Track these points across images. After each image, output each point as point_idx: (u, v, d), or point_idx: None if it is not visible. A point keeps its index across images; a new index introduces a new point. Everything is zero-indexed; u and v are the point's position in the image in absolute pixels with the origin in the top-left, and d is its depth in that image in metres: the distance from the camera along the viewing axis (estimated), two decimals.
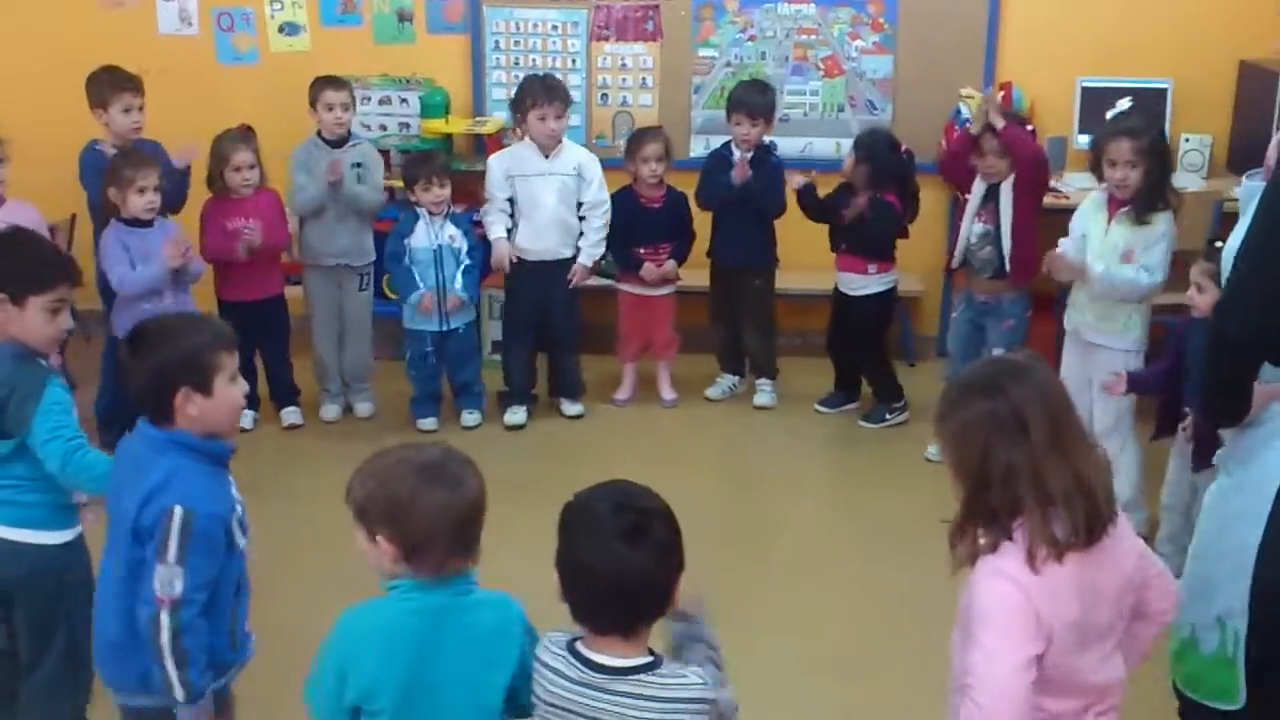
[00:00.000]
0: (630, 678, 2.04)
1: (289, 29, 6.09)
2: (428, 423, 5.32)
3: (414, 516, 2.15)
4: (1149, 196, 4.26)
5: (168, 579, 2.42)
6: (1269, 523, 2.39)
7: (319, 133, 5.25)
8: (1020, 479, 2.05)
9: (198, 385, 2.50)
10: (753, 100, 5.34)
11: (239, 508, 2.59)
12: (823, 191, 5.33)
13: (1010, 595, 2.05)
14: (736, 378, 5.71)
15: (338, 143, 5.24)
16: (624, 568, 2.02)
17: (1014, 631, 2.04)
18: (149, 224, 4.68)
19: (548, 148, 5.24)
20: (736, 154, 5.37)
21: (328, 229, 5.27)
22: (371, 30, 6.06)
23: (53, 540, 2.94)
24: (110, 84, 4.92)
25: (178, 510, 2.43)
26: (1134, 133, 4.28)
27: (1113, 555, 2.13)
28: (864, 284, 5.31)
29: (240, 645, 2.65)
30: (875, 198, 5.20)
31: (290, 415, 5.36)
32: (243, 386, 2.62)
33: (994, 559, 2.09)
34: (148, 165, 4.65)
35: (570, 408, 5.50)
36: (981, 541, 2.10)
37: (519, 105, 5.26)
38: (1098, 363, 4.36)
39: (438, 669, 2.17)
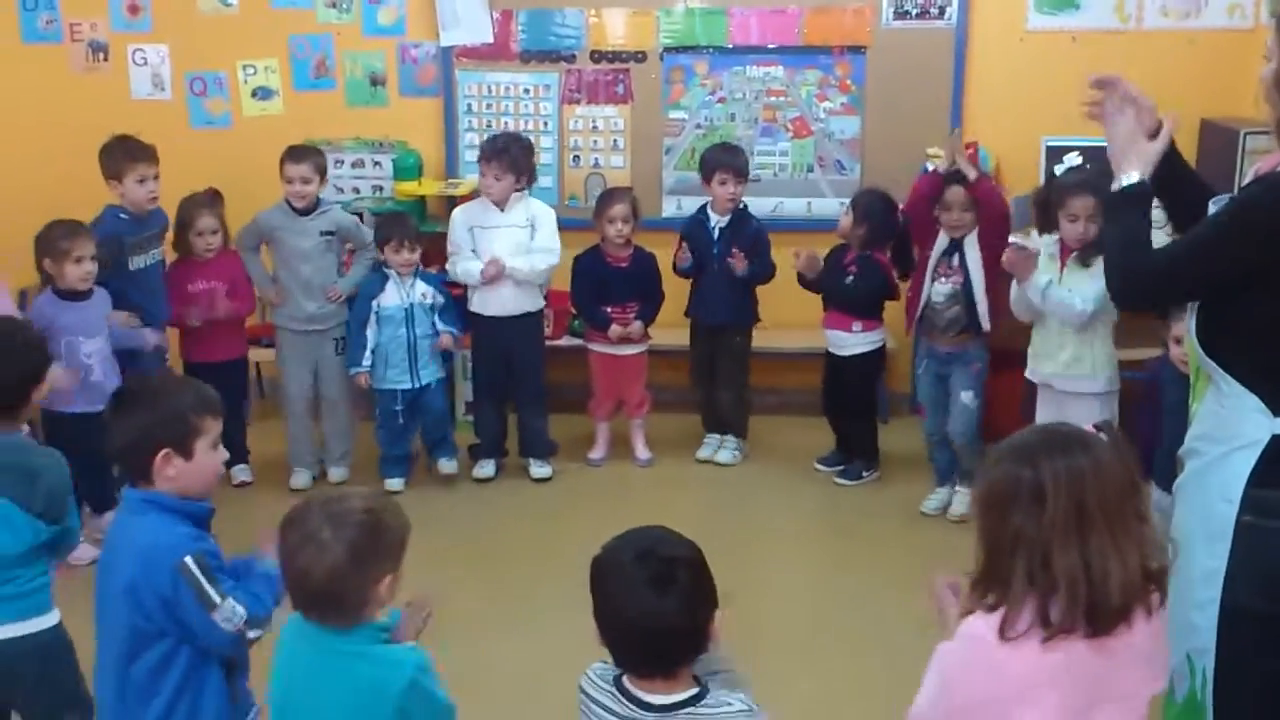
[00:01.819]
0: (679, 713, 2.08)
1: (262, 93, 6.13)
2: (394, 483, 5.32)
3: (279, 551, 2.30)
4: (1097, 242, 4.35)
5: (228, 614, 2.48)
6: (1233, 544, 2.38)
7: (288, 201, 5.24)
8: (1031, 553, 1.98)
9: (178, 447, 2.51)
10: (735, 160, 5.41)
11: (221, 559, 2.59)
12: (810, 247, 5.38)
13: (971, 658, 2.02)
14: (723, 435, 5.71)
15: (305, 211, 5.22)
16: (653, 614, 2.05)
17: (954, 690, 2.01)
18: (86, 295, 4.57)
19: (499, 203, 5.27)
20: (714, 218, 5.43)
21: (293, 297, 5.28)
22: (344, 94, 6.11)
23: (51, 622, 2.96)
24: (124, 155, 4.88)
25: (188, 560, 2.46)
26: (1098, 189, 4.36)
27: (1127, 653, 2.02)
28: (851, 343, 5.32)
29: (243, 706, 2.64)
30: (865, 257, 5.23)
31: (240, 473, 5.34)
32: (223, 454, 2.63)
33: (975, 619, 2.04)
34: (83, 234, 4.56)
35: (538, 469, 5.49)
36: (984, 601, 2.05)
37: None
38: (1073, 411, 4.41)
39: (311, 704, 2.27)
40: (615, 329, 5.48)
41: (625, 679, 2.13)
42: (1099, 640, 1.99)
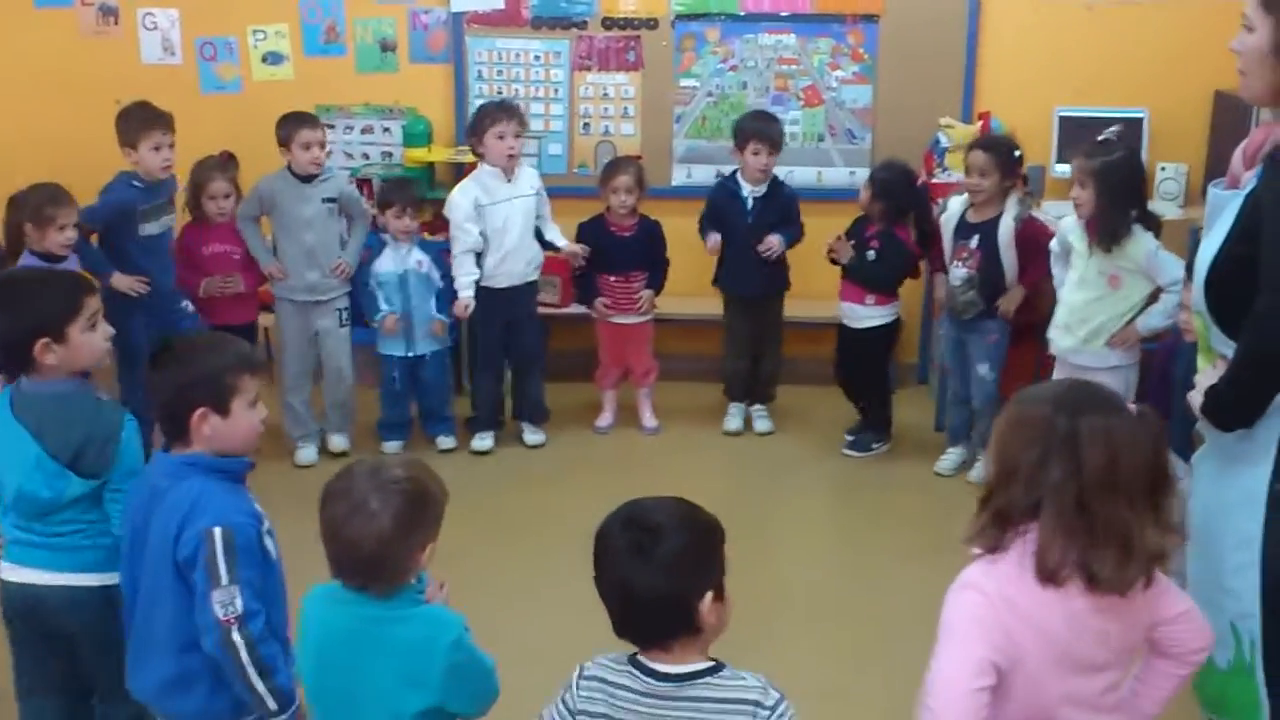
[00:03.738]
0: (698, 681, 2.07)
1: (272, 58, 6.12)
2: (391, 446, 5.37)
3: (322, 524, 2.28)
4: (1109, 227, 4.31)
5: (227, 600, 2.42)
6: (1268, 506, 2.38)
7: (289, 167, 5.15)
8: (1043, 489, 2.01)
9: (215, 406, 2.50)
10: (771, 131, 5.34)
11: (264, 520, 2.57)
12: (832, 223, 5.37)
13: (975, 604, 2.03)
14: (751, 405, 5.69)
15: (309, 178, 5.16)
16: (631, 582, 2.05)
17: (971, 640, 2.01)
18: (61, 259, 4.51)
19: (509, 170, 5.21)
20: (745, 188, 5.36)
21: (294, 266, 5.22)
22: (354, 60, 6.09)
23: (112, 581, 2.83)
24: (141, 122, 4.83)
25: (216, 531, 2.43)
26: (1088, 153, 4.38)
27: (1131, 607, 2.06)
28: (864, 315, 5.30)
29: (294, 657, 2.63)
30: (888, 234, 5.19)
31: None
32: (261, 412, 2.60)
33: (968, 571, 2.07)
34: (67, 203, 4.53)
35: (531, 436, 5.51)
36: (977, 549, 2.08)
37: (476, 129, 5.20)
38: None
39: (353, 671, 2.27)
40: (600, 305, 5.52)
41: (640, 655, 2.11)
42: (1100, 599, 2.01)
